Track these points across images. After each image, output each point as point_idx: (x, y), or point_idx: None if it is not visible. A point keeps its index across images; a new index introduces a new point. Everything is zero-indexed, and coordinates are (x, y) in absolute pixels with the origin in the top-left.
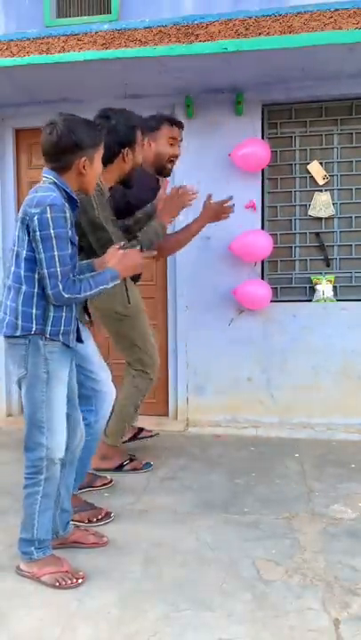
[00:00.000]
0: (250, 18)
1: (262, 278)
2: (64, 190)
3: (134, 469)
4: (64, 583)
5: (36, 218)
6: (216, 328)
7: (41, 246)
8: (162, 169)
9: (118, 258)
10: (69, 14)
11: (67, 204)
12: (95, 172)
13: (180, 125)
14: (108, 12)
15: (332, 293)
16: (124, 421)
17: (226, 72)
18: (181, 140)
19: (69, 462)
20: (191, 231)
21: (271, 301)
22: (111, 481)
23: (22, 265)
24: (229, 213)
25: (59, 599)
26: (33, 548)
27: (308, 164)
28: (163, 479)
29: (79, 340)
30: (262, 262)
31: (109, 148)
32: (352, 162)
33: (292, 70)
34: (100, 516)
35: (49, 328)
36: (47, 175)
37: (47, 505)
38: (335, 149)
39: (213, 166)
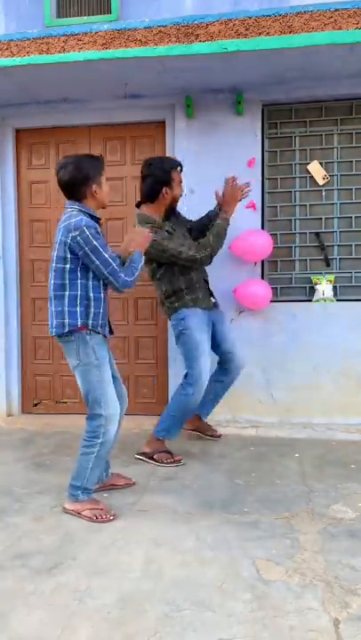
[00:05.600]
0: (250, 18)
1: (262, 278)
2: (88, 213)
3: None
4: (100, 518)
5: (78, 238)
6: None
7: (93, 257)
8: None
9: (129, 242)
10: (69, 14)
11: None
12: (106, 191)
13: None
14: (108, 12)
15: (332, 293)
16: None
17: (226, 72)
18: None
19: (118, 424)
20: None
21: (271, 301)
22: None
23: (66, 276)
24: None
25: (59, 599)
26: (79, 492)
27: (308, 163)
28: (163, 479)
29: (111, 332)
30: (262, 262)
31: (152, 188)
32: (352, 162)
33: (292, 70)
34: (174, 458)
35: (90, 322)
36: (71, 206)
37: (98, 464)
38: (335, 149)
39: (213, 166)
